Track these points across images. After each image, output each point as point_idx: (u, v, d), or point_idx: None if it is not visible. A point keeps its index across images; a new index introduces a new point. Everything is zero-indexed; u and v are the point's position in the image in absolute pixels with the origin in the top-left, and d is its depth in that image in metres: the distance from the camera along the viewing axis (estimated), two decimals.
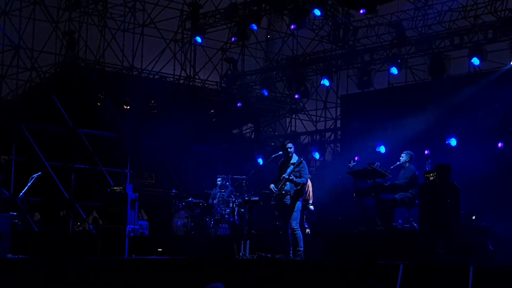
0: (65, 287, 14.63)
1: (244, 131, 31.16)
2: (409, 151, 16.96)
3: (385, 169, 16.63)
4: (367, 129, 24.20)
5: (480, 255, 14.02)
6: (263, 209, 16.28)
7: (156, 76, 26.59)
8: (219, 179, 20.87)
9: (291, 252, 14.67)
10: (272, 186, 14.83)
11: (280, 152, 15.52)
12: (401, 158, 16.85)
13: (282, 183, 14.71)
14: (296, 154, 15.04)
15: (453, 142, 21.53)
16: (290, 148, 14.98)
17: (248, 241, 15.26)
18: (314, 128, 28.89)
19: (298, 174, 14.75)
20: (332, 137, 28.34)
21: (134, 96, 25.35)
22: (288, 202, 14.66)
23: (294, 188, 14.67)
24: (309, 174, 15.14)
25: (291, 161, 14.87)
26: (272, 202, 14.98)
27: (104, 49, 25.62)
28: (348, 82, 26.97)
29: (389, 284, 11.24)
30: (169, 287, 13.80)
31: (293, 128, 29.62)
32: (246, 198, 15.83)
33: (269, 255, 15.02)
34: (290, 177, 14.64)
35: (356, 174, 17.08)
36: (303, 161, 14.91)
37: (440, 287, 11.06)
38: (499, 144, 20.69)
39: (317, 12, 23.57)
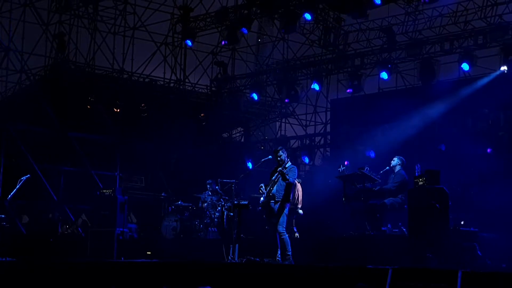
0: None
1: (234, 135, 31.16)
2: (401, 157, 16.99)
3: (374, 173, 16.65)
4: (356, 133, 24.26)
5: (469, 260, 14.05)
6: (252, 213, 16.29)
7: (146, 79, 26.56)
8: (209, 183, 20.88)
9: (279, 256, 14.69)
10: (262, 187, 14.92)
11: (270, 157, 15.59)
12: (392, 161, 16.87)
13: (270, 185, 14.80)
14: (287, 159, 15.10)
15: (442, 147, 21.59)
16: (281, 156, 15.05)
17: (237, 245, 15.26)
18: (304, 133, 28.89)
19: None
20: (322, 141, 28.34)
21: (124, 99, 25.33)
22: (274, 205, 14.70)
23: (281, 192, 14.72)
24: (298, 178, 15.17)
25: (283, 165, 14.96)
26: (258, 208, 15.05)
27: (95, 52, 25.59)
28: (338, 87, 27.01)
29: None
30: None
31: (282, 132, 29.63)
32: (236, 202, 15.84)
33: (257, 259, 15.02)
34: (284, 171, 14.70)
35: (345, 179, 17.09)
36: (292, 166, 14.97)
37: None
38: (488, 150, 20.74)
39: (307, 16, 23.57)
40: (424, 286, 11.12)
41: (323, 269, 12.79)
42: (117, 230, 18.72)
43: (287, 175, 14.75)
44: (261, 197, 15.02)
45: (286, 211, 14.82)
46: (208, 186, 20.95)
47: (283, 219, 14.72)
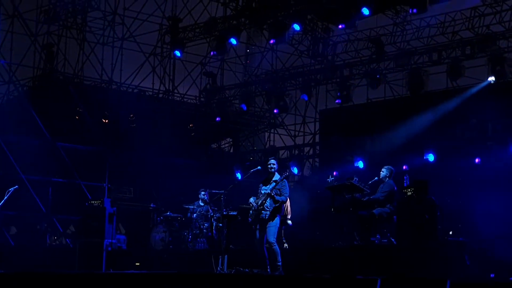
0: None
1: (223, 146, 31.14)
2: (389, 166, 17.00)
3: (363, 184, 16.65)
4: (345, 144, 24.29)
5: (457, 270, 14.07)
6: (241, 224, 16.26)
7: (135, 90, 26.56)
8: (202, 193, 20.75)
9: (268, 266, 14.68)
10: (251, 199, 14.88)
11: (259, 167, 15.58)
12: (381, 173, 16.89)
13: (263, 198, 14.73)
14: (278, 172, 15.06)
15: (430, 157, 21.62)
16: (274, 165, 15.01)
17: (226, 256, 15.23)
18: (292, 143, 28.89)
19: (278, 192, 14.77)
20: (311, 152, 28.35)
21: (113, 109, 25.29)
22: (266, 217, 14.67)
23: (274, 205, 14.69)
24: (288, 193, 15.12)
25: (274, 178, 14.91)
26: (249, 219, 14.98)
27: (83, 63, 25.57)
28: (327, 97, 27.03)
29: None
30: None
31: (271, 143, 29.63)
32: (224, 213, 15.81)
33: (246, 270, 14.99)
34: (272, 193, 14.67)
35: (334, 189, 17.09)
36: (284, 180, 14.94)
37: None
38: (476, 160, 20.79)
39: (296, 27, 23.62)
40: None
41: (312, 279, 12.78)
42: (105, 241, 18.65)
43: (280, 194, 14.73)
44: (250, 209, 14.97)
45: (278, 222, 14.81)
46: (201, 195, 20.74)
47: (274, 230, 14.72)
